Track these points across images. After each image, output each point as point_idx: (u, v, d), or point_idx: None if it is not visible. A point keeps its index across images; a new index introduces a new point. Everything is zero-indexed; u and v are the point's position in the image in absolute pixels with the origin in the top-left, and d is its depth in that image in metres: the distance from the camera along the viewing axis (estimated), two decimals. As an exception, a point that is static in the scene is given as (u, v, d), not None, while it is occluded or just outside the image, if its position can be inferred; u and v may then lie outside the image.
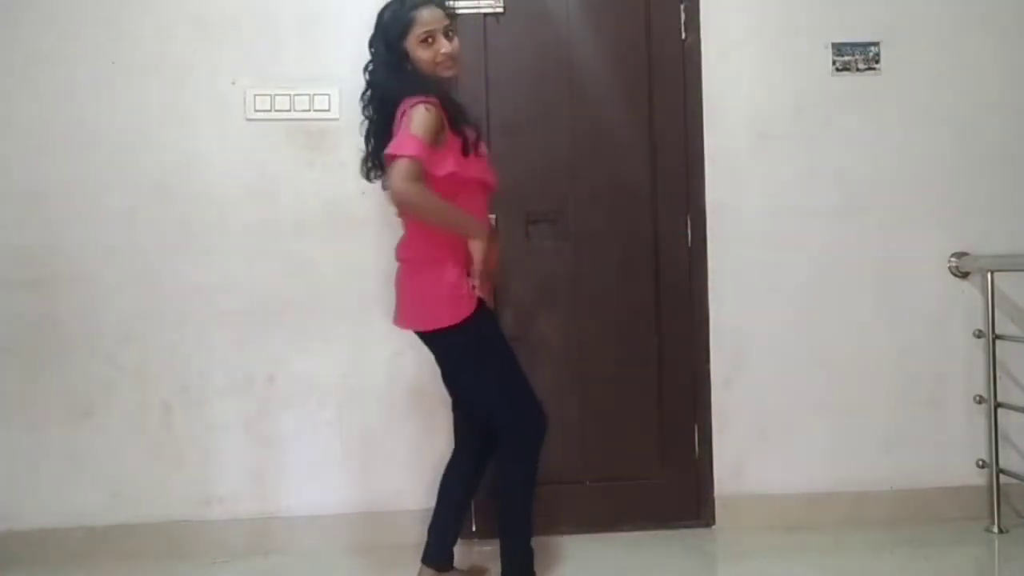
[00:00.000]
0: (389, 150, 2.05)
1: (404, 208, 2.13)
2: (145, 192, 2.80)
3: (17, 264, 2.77)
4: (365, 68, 2.26)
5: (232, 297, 2.82)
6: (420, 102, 2.07)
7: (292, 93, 2.82)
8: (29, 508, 2.77)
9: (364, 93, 2.27)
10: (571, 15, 2.93)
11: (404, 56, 2.18)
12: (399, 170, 2.01)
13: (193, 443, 2.81)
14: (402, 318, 2.28)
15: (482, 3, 2.88)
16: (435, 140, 2.08)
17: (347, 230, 2.83)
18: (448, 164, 2.11)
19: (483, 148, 2.26)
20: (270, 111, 2.83)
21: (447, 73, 2.20)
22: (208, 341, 2.81)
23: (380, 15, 2.23)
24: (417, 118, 2.05)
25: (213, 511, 2.81)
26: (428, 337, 2.26)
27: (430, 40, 2.16)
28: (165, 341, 2.80)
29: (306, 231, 2.84)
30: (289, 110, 2.83)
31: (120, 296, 2.79)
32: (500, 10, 2.89)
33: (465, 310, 2.16)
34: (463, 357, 2.25)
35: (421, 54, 2.17)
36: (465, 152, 2.15)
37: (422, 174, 2.04)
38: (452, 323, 2.16)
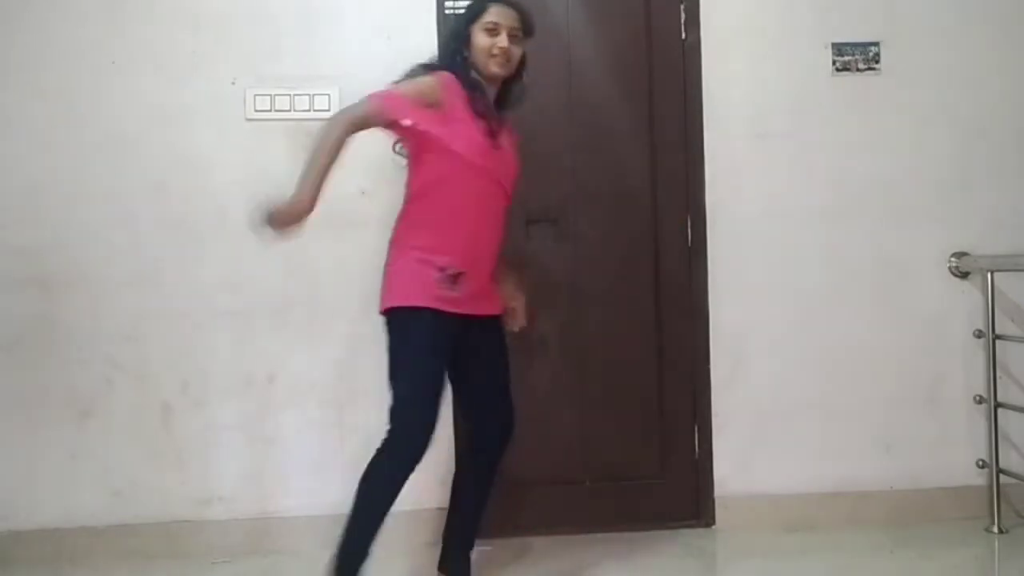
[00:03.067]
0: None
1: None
2: (145, 191, 2.80)
3: (17, 264, 2.77)
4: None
5: (232, 297, 2.81)
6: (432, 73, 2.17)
7: (292, 93, 2.82)
8: (29, 508, 2.77)
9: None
10: (571, 15, 2.93)
11: (466, 40, 2.22)
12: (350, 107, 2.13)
13: (193, 443, 2.81)
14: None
15: (482, 3, 2.88)
16: (425, 102, 2.12)
17: (347, 230, 2.83)
18: (425, 122, 2.12)
19: (505, 141, 2.25)
20: (270, 111, 2.83)
21: (496, 69, 2.22)
22: (208, 341, 2.81)
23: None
24: (412, 81, 2.16)
25: (213, 511, 2.81)
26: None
27: (494, 31, 2.20)
28: (165, 341, 2.80)
29: (306, 231, 2.83)
30: (289, 110, 2.83)
31: (120, 296, 2.79)
32: (500, 10, 2.88)
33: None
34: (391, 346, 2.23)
35: (481, 40, 2.20)
36: (489, 135, 2.17)
37: (356, 116, 2.10)
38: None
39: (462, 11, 2.31)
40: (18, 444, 2.77)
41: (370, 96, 2.12)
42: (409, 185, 2.24)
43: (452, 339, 2.18)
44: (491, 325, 2.29)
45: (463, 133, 2.13)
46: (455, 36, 2.26)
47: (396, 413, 2.16)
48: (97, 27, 2.80)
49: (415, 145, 2.18)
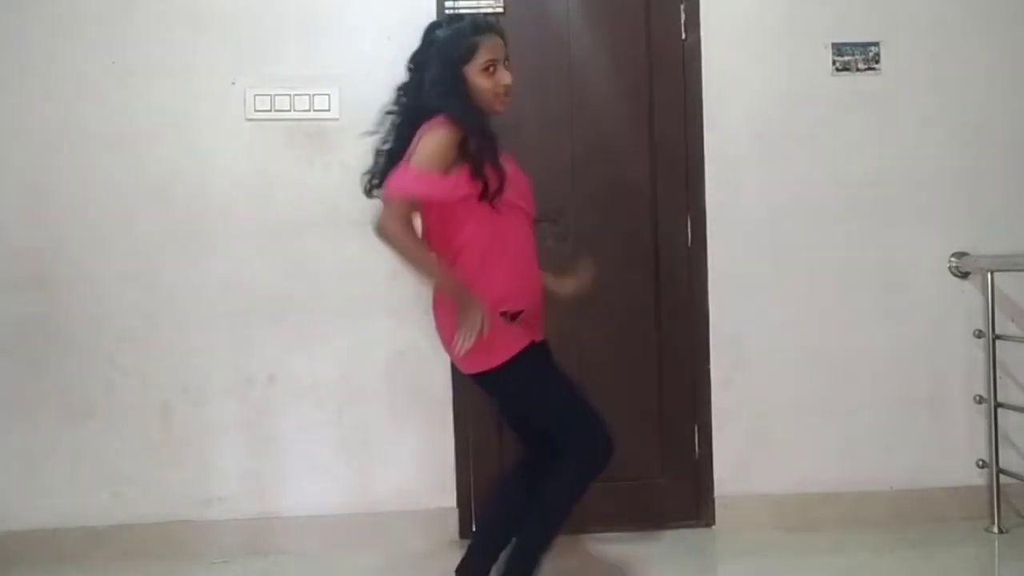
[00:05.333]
0: (391, 185, 2.01)
1: (384, 242, 2.02)
2: (145, 192, 2.80)
3: (17, 264, 2.77)
4: (402, 89, 2.14)
5: (232, 297, 2.81)
6: (441, 124, 2.00)
7: (292, 93, 2.82)
8: (29, 508, 2.77)
9: (393, 111, 2.14)
10: (571, 15, 2.93)
11: (461, 81, 2.07)
12: (390, 210, 1.99)
13: (193, 443, 2.81)
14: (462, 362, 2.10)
15: (482, 3, 2.88)
16: (446, 165, 2.00)
17: (347, 230, 2.82)
18: (462, 187, 2.02)
19: (508, 167, 2.10)
20: (270, 111, 2.83)
21: (501, 107, 2.12)
22: (208, 341, 2.81)
23: (431, 32, 2.14)
24: (431, 145, 1.99)
25: (213, 511, 2.81)
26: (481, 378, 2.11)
27: (492, 69, 2.08)
28: (165, 341, 2.80)
29: (306, 231, 2.84)
30: (289, 110, 2.83)
31: (120, 296, 2.79)
32: (500, 10, 2.88)
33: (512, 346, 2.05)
34: (522, 391, 2.13)
35: (481, 83, 2.07)
36: (483, 198, 2.05)
37: (411, 215, 2.02)
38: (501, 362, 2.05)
39: (441, 50, 2.08)
40: (18, 444, 2.77)
41: (403, 187, 1.99)
42: (450, 241, 2.09)
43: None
44: (548, 350, 2.24)
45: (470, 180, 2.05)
46: (451, 78, 2.06)
47: (585, 438, 2.14)
48: (98, 27, 2.79)
49: (448, 206, 2.05)
